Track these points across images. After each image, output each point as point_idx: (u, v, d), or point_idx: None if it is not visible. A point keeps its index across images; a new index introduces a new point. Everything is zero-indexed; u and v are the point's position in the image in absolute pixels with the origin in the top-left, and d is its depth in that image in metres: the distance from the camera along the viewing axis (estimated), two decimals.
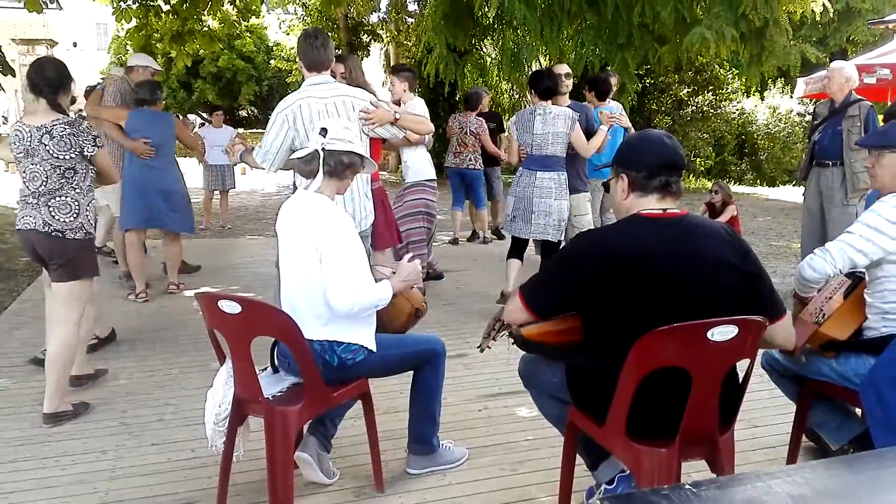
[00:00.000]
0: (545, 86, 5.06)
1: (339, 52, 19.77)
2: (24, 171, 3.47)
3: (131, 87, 5.81)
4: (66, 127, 3.43)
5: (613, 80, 6.69)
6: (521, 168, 5.22)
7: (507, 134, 8.24)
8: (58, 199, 3.45)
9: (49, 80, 3.48)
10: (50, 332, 3.59)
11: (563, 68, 5.54)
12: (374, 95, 3.89)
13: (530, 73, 6.32)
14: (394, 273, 2.89)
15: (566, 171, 5.11)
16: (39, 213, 3.44)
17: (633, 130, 6.22)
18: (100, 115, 5.69)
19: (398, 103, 5.47)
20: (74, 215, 3.48)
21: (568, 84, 5.40)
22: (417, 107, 5.45)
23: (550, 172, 5.05)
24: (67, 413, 3.49)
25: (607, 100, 6.15)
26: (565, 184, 5.10)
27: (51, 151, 3.41)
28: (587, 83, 6.37)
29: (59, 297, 3.52)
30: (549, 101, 5.06)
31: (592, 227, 5.44)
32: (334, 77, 3.81)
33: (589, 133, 5.16)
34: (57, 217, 3.44)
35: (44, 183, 3.43)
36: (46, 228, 3.43)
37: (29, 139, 3.42)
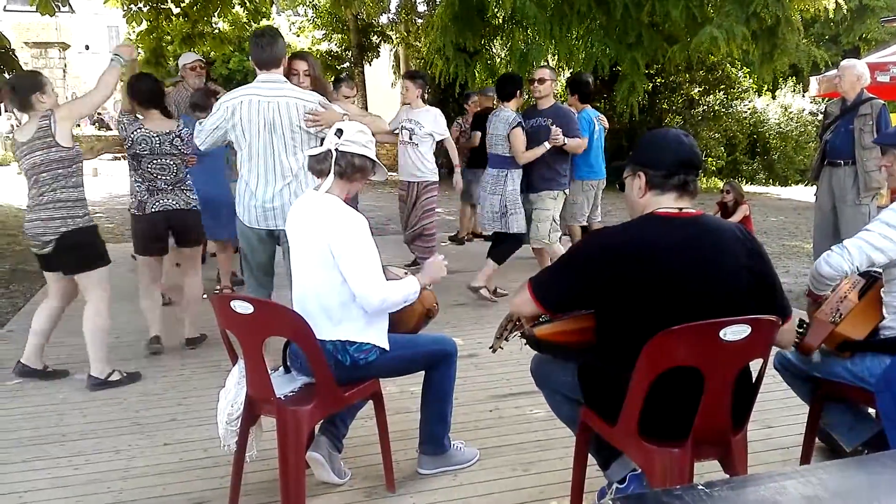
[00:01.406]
0: (503, 90, 5.52)
1: (350, 52, 19.83)
2: (148, 165, 4.30)
3: (189, 91, 5.71)
4: (185, 129, 4.37)
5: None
6: None
7: None
8: (185, 183, 4.45)
9: (161, 92, 4.45)
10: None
11: (538, 73, 5.57)
12: (328, 96, 4.01)
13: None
14: (406, 274, 2.89)
15: (519, 169, 5.43)
16: (177, 196, 4.39)
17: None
18: None
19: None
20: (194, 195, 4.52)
21: (541, 89, 5.43)
22: (427, 116, 5.91)
23: (492, 169, 5.56)
24: (198, 338, 4.63)
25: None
26: (504, 180, 5.45)
27: (181, 149, 4.36)
28: (568, 85, 6.52)
29: (192, 259, 4.61)
30: (509, 104, 5.43)
31: (550, 224, 5.53)
32: (297, 74, 4.01)
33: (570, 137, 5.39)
34: (191, 196, 4.46)
35: (175, 174, 4.38)
36: (188, 206, 4.42)
37: (158, 142, 4.28)
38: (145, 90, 4.32)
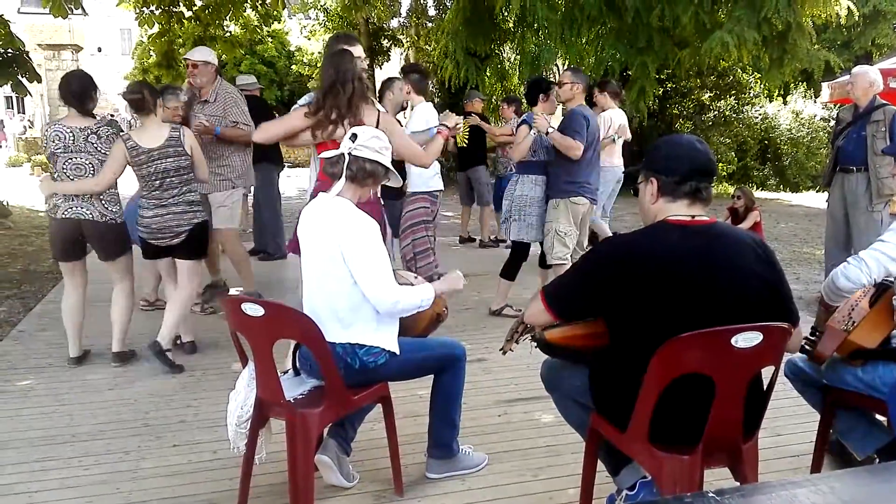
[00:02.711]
0: (528, 96, 5.40)
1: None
2: (63, 165, 4.10)
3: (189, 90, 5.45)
4: (104, 127, 4.22)
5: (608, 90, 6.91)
6: None
7: None
8: (107, 192, 4.27)
9: (83, 90, 4.16)
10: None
11: (560, 77, 5.41)
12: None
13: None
14: (416, 278, 2.90)
15: (531, 175, 5.26)
16: (93, 205, 4.16)
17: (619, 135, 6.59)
18: None
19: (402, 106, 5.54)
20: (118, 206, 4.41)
21: (560, 93, 5.25)
22: (417, 113, 5.12)
23: (511, 174, 5.65)
24: (125, 353, 4.38)
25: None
26: (515, 185, 5.34)
27: (98, 147, 4.15)
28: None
29: (118, 272, 4.41)
30: (535, 108, 5.24)
31: (553, 236, 5.12)
32: None
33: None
34: (110, 207, 4.26)
35: (91, 177, 4.19)
36: (103, 218, 4.19)
37: (72, 137, 4.10)
38: (63, 85, 4.11)
